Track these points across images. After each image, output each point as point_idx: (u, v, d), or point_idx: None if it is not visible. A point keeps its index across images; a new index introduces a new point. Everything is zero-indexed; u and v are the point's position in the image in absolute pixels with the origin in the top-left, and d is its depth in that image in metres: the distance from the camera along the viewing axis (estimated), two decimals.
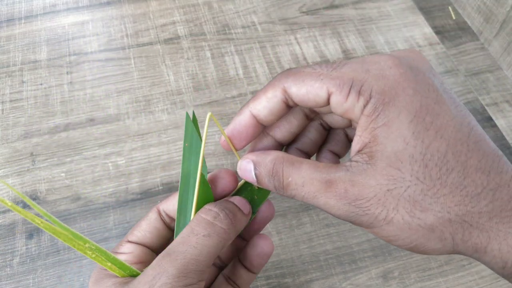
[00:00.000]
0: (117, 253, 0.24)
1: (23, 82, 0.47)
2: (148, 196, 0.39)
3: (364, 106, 0.19)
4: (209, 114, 0.22)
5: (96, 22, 0.52)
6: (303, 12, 0.54)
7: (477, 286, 0.36)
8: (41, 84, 0.46)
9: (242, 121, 0.22)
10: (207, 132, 0.23)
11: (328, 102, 0.20)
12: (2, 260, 0.36)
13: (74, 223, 0.38)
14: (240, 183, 0.26)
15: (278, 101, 0.21)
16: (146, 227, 0.25)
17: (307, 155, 0.26)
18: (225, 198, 0.25)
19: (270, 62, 0.49)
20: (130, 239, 0.25)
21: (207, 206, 0.23)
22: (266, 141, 0.25)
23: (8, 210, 0.39)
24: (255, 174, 0.22)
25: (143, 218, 0.26)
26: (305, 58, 0.49)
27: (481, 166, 0.18)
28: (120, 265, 0.22)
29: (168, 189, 0.40)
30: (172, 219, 0.26)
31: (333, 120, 0.25)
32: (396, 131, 0.18)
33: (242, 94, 0.46)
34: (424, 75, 0.20)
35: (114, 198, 0.39)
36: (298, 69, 0.21)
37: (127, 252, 0.24)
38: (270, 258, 0.37)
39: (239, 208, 0.24)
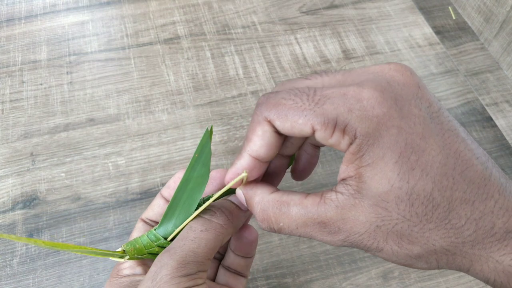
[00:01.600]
0: (122, 269, 0.26)
1: (23, 82, 0.47)
2: (148, 196, 0.39)
3: (349, 145, 0.19)
4: (243, 174, 0.22)
5: (96, 22, 0.52)
6: (303, 12, 0.54)
7: (477, 286, 0.36)
8: (41, 84, 0.46)
9: (244, 166, 0.22)
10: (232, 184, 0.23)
11: (313, 134, 0.20)
12: (2, 260, 0.36)
13: (74, 223, 0.38)
14: (240, 176, 0.26)
15: (271, 134, 0.21)
16: (137, 236, 0.27)
17: (288, 157, 0.26)
18: (225, 197, 0.26)
19: (270, 62, 0.49)
20: None
21: (208, 207, 0.24)
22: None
23: (8, 210, 0.39)
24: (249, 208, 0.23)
25: (133, 230, 0.28)
26: (305, 58, 0.49)
27: (466, 197, 0.19)
28: (92, 250, 0.25)
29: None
30: (157, 223, 0.27)
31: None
32: (380, 173, 0.18)
33: (242, 94, 0.46)
34: (410, 105, 0.19)
35: (114, 198, 0.39)
36: (277, 98, 0.20)
37: (130, 266, 0.26)
38: (270, 258, 0.37)
39: (236, 205, 0.25)
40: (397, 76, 0.20)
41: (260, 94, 0.46)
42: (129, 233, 0.38)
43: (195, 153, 0.25)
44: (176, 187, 0.25)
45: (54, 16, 0.52)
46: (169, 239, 0.25)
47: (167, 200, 0.28)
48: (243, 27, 0.52)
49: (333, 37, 0.51)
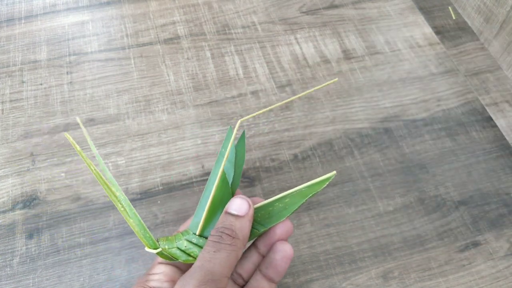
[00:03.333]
0: (150, 274, 0.28)
1: (23, 82, 0.47)
2: (148, 196, 0.39)
3: None
4: (237, 125, 0.26)
5: (96, 22, 0.52)
6: (303, 12, 0.54)
7: (477, 286, 0.36)
8: (41, 84, 0.46)
9: None
10: (233, 140, 0.28)
11: None
12: (2, 260, 0.36)
13: (74, 223, 0.38)
14: (262, 203, 0.29)
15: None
16: None
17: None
18: (225, 208, 0.28)
19: (270, 62, 0.49)
20: (160, 261, 0.28)
21: (213, 231, 0.27)
22: None
23: (8, 210, 0.39)
24: None
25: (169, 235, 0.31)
26: (305, 58, 0.49)
27: None
28: (138, 222, 0.26)
29: (168, 189, 0.40)
30: None
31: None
32: None
33: (242, 94, 0.46)
34: None
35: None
36: None
37: (158, 272, 0.28)
38: None
39: (235, 215, 0.27)
40: None
41: (260, 94, 0.46)
42: (129, 233, 0.38)
43: (221, 148, 0.29)
44: None
45: (54, 16, 0.52)
46: (197, 233, 0.27)
47: None
48: (243, 27, 0.52)
49: (333, 37, 0.51)
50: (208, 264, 0.25)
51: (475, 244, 0.38)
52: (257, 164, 0.42)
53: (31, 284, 0.35)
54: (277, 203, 0.28)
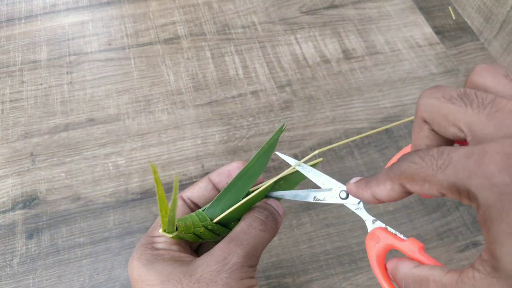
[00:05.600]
0: (154, 236, 0.27)
1: (23, 82, 0.47)
2: (148, 196, 0.39)
3: (477, 211, 0.18)
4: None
5: (96, 22, 0.52)
6: (303, 12, 0.54)
7: None
8: (41, 84, 0.46)
9: (365, 198, 0.25)
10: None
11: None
12: (2, 260, 0.36)
13: (74, 223, 0.38)
14: (268, 183, 0.29)
15: (398, 192, 0.21)
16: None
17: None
18: (264, 200, 0.29)
19: (270, 62, 0.49)
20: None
21: (257, 209, 0.27)
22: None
23: (8, 210, 0.39)
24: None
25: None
26: (305, 58, 0.49)
27: None
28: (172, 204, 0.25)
29: (168, 189, 0.40)
30: (196, 204, 0.29)
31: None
32: (511, 252, 0.16)
33: (242, 94, 0.46)
34: None
35: (114, 198, 0.39)
36: (407, 163, 0.20)
37: (165, 241, 0.27)
38: (270, 258, 0.37)
39: (277, 212, 0.28)
40: None
41: (260, 94, 0.46)
42: (129, 233, 0.38)
43: (266, 144, 0.29)
44: (230, 174, 0.29)
45: (54, 16, 0.52)
46: (215, 221, 0.27)
47: (214, 185, 0.30)
48: (243, 27, 0.52)
49: (333, 37, 0.51)
50: (254, 239, 0.25)
51: (475, 244, 0.38)
52: None
53: (31, 284, 0.35)
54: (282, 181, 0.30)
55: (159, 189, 0.24)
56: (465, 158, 0.17)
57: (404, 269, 0.22)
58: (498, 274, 0.17)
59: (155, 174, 0.22)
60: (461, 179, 0.17)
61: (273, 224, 0.27)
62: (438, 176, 0.18)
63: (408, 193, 0.21)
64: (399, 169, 0.20)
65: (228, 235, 0.26)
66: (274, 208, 0.28)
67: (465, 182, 0.17)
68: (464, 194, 0.17)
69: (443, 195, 0.19)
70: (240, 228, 0.26)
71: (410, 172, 0.20)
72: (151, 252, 0.26)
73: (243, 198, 0.27)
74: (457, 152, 0.18)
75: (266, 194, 0.29)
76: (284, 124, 0.31)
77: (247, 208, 0.28)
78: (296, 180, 0.30)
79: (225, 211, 0.27)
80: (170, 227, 0.26)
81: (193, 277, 0.24)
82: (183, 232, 0.26)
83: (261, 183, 0.29)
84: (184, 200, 0.29)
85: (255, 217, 0.27)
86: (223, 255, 0.25)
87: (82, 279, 0.35)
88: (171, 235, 0.26)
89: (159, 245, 0.27)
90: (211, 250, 0.25)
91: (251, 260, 0.25)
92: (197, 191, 0.29)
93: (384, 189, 0.22)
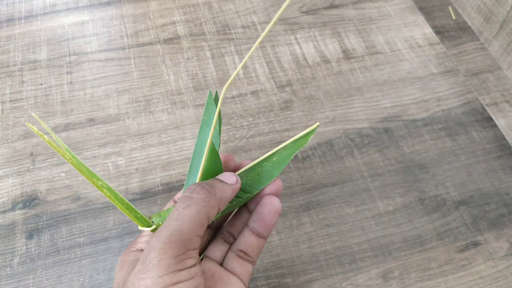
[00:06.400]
0: (139, 237, 0.26)
1: (23, 82, 0.47)
2: (148, 196, 0.39)
3: None
4: (223, 91, 0.24)
5: (96, 22, 0.52)
6: (303, 12, 0.54)
7: (477, 286, 0.36)
8: (41, 84, 0.46)
9: None
10: (220, 105, 0.25)
11: None
12: (2, 260, 0.36)
13: (74, 223, 0.38)
14: (250, 164, 0.28)
15: None
16: None
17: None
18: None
19: (270, 62, 0.49)
20: None
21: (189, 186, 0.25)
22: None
23: (8, 210, 0.39)
24: None
25: (162, 209, 0.28)
26: (305, 58, 0.49)
27: None
28: (127, 206, 0.25)
29: (168, 189, 0.40)
30: None
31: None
32: None
33: (242, 94, 0.46)
34: None
35: None
36: None
37: (147, 235, 0.26)
38: (270, 258, 0.37)
39: (221, 180, 0.26)
40: None
41: (260, 94, 0.46)
42: (129, 233, 0.38)
43: (203, 115, 0.27)
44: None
45: (54, 16, 0.52)
46: None
47: None
48: (243, 27, 0.52)
49: (333, 37, 0.51)
50: (175, 222, 0.22)
51: (475, 244, 0.38)
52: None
53: (31, 284, 0.35)
54: (265, 163, 0.28)
55: (111, 198, 0.24)
56: None
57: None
58: None
59: (84, 173, 0.23)
60: None
61: (203, 193, 0.24)
62: None
63: None
64: None
65: None
66: (215, 179, 0.26)
67: None
68: None
69: None
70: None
71: None
72: (127, 252, 0.25)
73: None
74: None
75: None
76: (210, 90, 0.30)
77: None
78: (287, 155, 0.29)
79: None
80: (141, 219, 0.25)
81: (126, 284, 0.22)
82: (160, 223, 0.26)
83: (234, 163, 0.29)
84: (176, 202, 0.28)
85: (181, 197, 0.24)
86: (145, 253, 0.22)
87: (82, 279, 0.35)
88: (149, 229, 0.25)
89: (139, 245, 0.26)
90: None
91: (173, 249, 0.21)
92: None
93: None
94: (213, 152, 0.26)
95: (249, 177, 0.28)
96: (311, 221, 0.39)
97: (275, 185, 0.28)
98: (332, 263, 0.37)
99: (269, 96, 0.46)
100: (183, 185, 0.40)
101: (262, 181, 0.28)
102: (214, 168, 0.26)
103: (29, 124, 0.21)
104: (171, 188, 0.40)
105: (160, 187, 0.40)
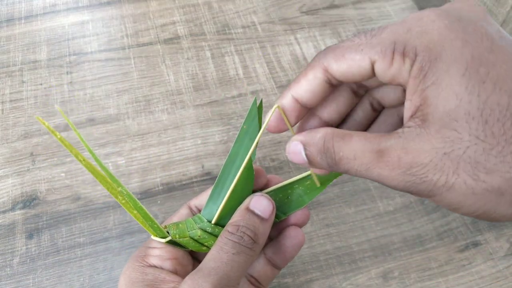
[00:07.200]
0: (149, 247, 0.25)
1: (23, 82, 0.47)
2: (148, 196, 0.39)
3: (411, 68, 0.17)
4: (275, 106, 0.22)
5: (96, 22, 0.52)
6: (303, 12, 0.54)
7: (477, 286, 0.36)
8: (41, 84, 0.46)
9: (285, 105, 0.21)
10: (268, 121, 0.22)
11: (373, 73, 0.19)
12: (2, 260, 0.36)
13: (74, 223, 0.38)
14: (281, 184, 0.26)
15: (320, 82, 0.20)
16: (176, 219, 0.26)
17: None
18: (256, 193, 0.25)
19: (270, 62, 0.49)
20: None
21: (231, 226, 0.23)
22: (313, 122, 0.23)
23: (8, 210, 0.39)
24: (306, 155, 0.21)
25: (174, 214, 0.27)
26: (305, 58, 0.49)
27: None
28: (144, 214, 0.23)
29: (168, 189, 0.40)
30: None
31: (384, 95, 0.23)
32: (446, 88, 0.16)
33: (242, 94, 0.46)
34: (476, 24, 0.17)
35: (114, 198, 0.39)
36: (336, 44, 0.20)
37: (159, 247, 0.25)
38: None
39: (259, 217, 0.24)
40: (462, 6, 0.19)
41: (260, 94, 0.46)
42: (129, 233, 0.38)
43: (243, 124, 0.25)
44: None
45: (54, 16, 0.52)
46: (213, 222, 0.24)
47: None
48: (243, 27, 0.52)
49: (333, 37, 0.51)
50: (225, 267, 0.22)
51: (475, 244, 0.38)
52: (257, 164, 0.42)
53: (31, 284, 0.35)
54: (296, 185, 0.26)
55: (123, 199, 0.23)
56: (400, 22, 0.18)
57: (325, 129, 0.20)
58: (427, 122, 0.17)
59: (100, 178, 0.21)
60: (399, 34, 0.18)
61: (251, 243, 0.23)
62: (372, 42, 0.18)
63: (330, 84, 0.20)
64: (327, 52, 0.20)
65: (200, 264, 0.23)
66: (255, 215, 0.24)
67: (403, 36, 0.17)
68: (399, 51, 0.17)
69: (372, 70, 0.18)
70: (210, 254, 0.23)
71: (340, 49, 0.19)
72: (139, 266, 0.24)
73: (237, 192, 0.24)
74: (390, 24, 0.19)
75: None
76: (255, 97, 0.26)
77: (243, 199, 0.25)
78: (314, 189, 0.26)
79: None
80: (158, 230, 0.24)
81: None
82: (177, 236, 0.24)
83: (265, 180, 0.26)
84: (191, 209, 0.27)
85: (227, 240, 0.23)
86: None
87: (82, 279, 0.35)
88: (164, 240, 0.24)
89: (152, 260, 0.24)
90: (181, 284, 0.22)
91: None
92: (203, 199, 0.27)
93: (304, 83, 0.20)
94: (250, 170, 0.24)
95: (277, 199, 0.26)
96: (311, 221, 0.39)
97: (303, 214, 0.26)
98: (332, 263, 0.37)
99: (269, 96, 0.46)
100: (183, 185, 0.40)
101: (291, 206, 0.26)
102: (247, 183, 0.25)
103: (42, 120, 0.20)
104: (171, 188, 0.40)
105: (160, 187, 0.40)
